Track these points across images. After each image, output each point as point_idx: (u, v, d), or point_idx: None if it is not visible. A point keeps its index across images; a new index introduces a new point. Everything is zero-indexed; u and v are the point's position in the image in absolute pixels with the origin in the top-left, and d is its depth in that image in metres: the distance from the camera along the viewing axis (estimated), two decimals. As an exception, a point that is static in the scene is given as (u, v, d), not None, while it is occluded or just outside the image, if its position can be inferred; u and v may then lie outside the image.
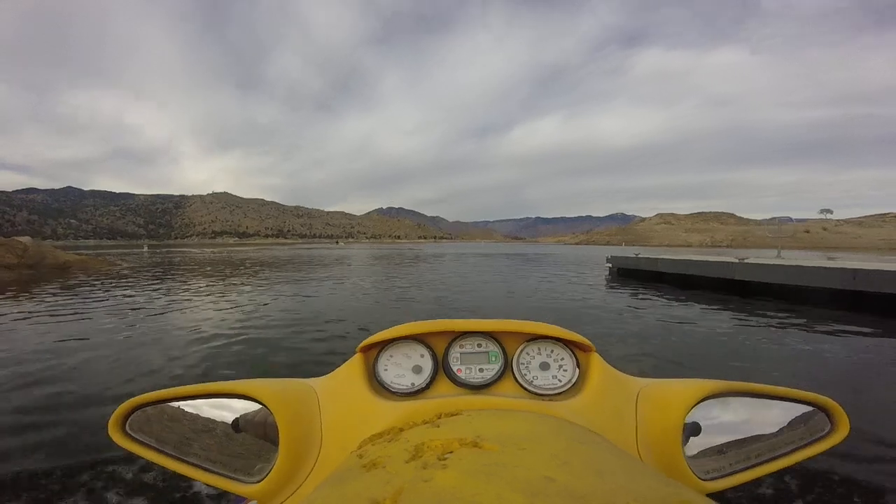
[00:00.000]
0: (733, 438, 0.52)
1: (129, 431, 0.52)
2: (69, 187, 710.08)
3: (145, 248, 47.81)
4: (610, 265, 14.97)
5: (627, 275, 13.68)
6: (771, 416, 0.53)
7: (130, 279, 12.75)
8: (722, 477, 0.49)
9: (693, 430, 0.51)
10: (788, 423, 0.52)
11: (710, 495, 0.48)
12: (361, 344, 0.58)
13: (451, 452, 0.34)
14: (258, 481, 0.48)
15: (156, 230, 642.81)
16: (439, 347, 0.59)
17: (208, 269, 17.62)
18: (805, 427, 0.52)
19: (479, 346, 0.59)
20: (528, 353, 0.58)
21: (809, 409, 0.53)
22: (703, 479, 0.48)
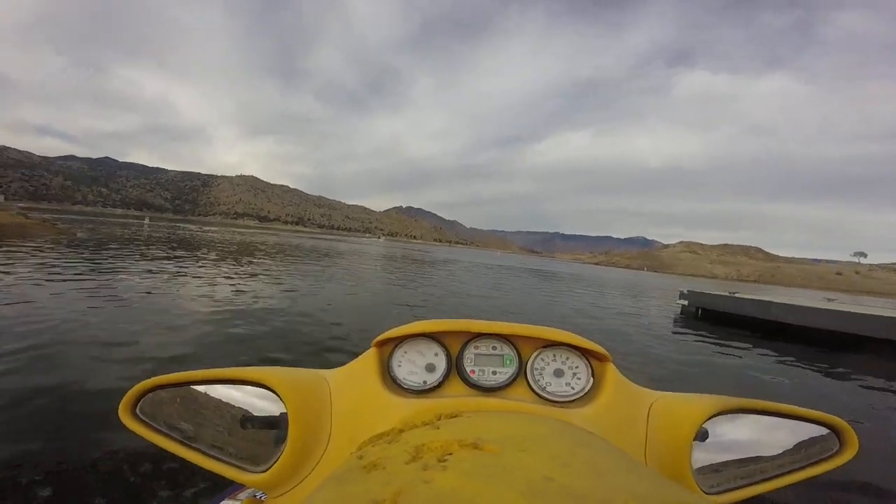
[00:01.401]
0: (741, 454, 0.52)
1: (140, 414, 0.52)
2: (106, 157, 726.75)
3: (146, 221, 46.24)
4: (685, 302, 11.21)
5: (715, 319, 10.16)
6: (780, 434, 0.53)
7: (55, 252, 10.03)
8: (727, 491, 0.49)
9: (701, 437, 0.51)
10: (797, 442, 0.52)
11: None
12: (377, 339, 0.58)
13: (450, 454, 0.34)
14: (264, 471, 0.48)
15: (182, 206, 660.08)
16: (454, 347, 0.58)
17: (180, 252, 14.82)
18: (813, 446, 0.52)
19: (495, 348, 0.59)
20: (542, 359, 0.58)
21: (819, 428, 0.52)
22: (708, 493, 0.48)
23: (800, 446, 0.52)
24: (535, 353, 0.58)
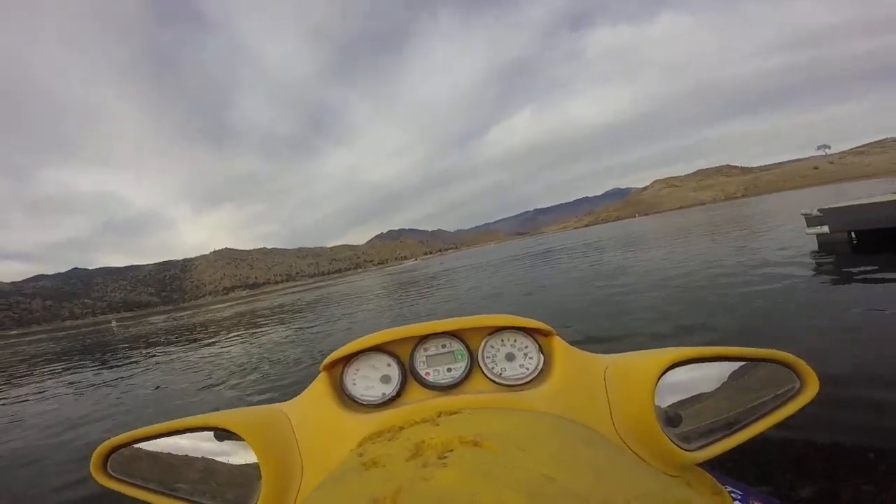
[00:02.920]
0: (709, 406, 0.52)
1: (112, 472, 0.52)
2: (75, 269, 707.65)
3: (114, 324, 43.53)
4: (824, 229, 6.68)
5: (885, 242, 5.92)
6: (740, 379, 0.53)
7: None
8: (705, 446, 0.49)
9: (669, 404, 0.51)
10: (759, 384, 0.52)
11: (698, 466, 0.48)
12: (325, 361, 0.58)
13: (451, 451, 0.34)
14: None
15: (169, 296, 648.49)
16: (404, 354, 0.59)
17: (107, 353, 13.05)
18: (775, 385, 0.52)
19: (444, 346, 0.59)
20: (492, 346, 0.59)
21: (776, 366, 0.52)
22: (688, 450, 0.48)
23: (762, 388, 0.52)
24: (482, 343, 0.59)
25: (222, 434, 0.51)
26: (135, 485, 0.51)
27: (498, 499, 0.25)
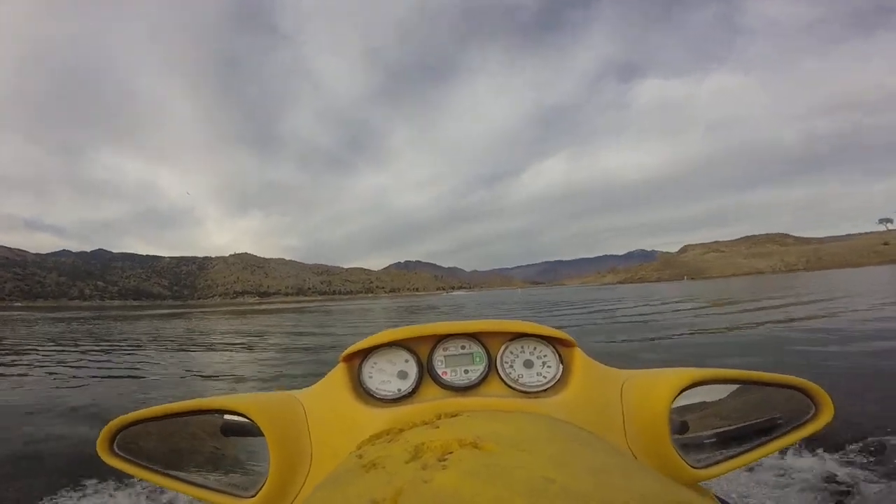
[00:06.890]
0: (721, 426, 0.53)
1: (118, 451, 0.52)
2: (99, 249, 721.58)
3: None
4: None
5: None
6: (756, 402, 0.54)
7: None
8: (713, 465, 0.49)
9: (680, 420, 0.51)
10: (774, 408, 0.53)
11: (705, 484, 0.48)
12: (344, 353, 0.59)
13: (450, 453, 0.34)
14: (252, 496, 0.47)
15: (180, 291, 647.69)
16: (423, 352, 0.59)
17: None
18: (790, 411, 0.53)
19: (463, 347, 0.60)
20: (511, 352, 0.59)
21: (793, 392, 0.53)
22: (696, 467, 0.48)
23: (777, 412, 0.53)
24: (503, 348, 0.59)
25: (234, 418, 0.51)
26: (140, 465, 0.51)
27: (498, 500, 0.26)
